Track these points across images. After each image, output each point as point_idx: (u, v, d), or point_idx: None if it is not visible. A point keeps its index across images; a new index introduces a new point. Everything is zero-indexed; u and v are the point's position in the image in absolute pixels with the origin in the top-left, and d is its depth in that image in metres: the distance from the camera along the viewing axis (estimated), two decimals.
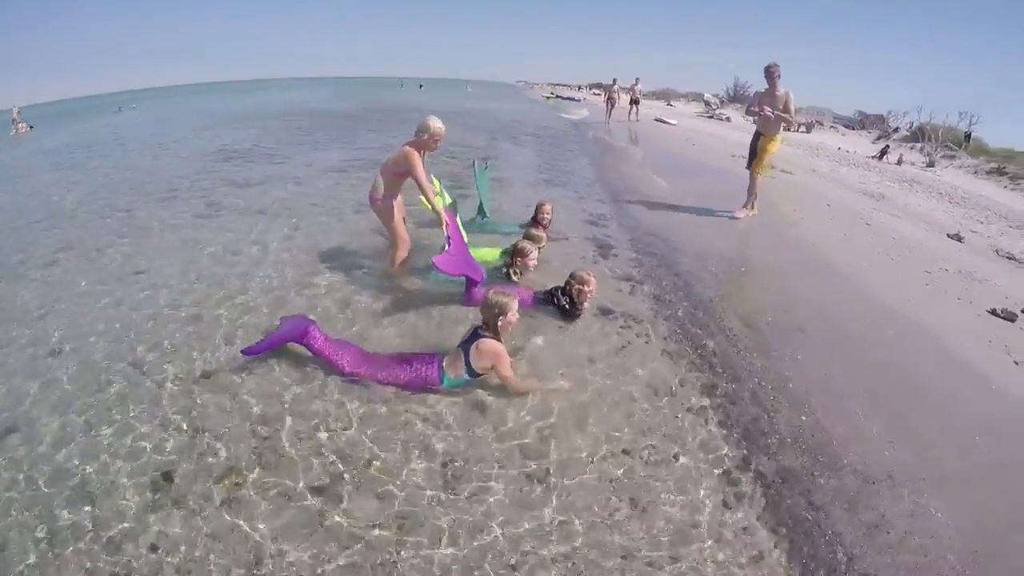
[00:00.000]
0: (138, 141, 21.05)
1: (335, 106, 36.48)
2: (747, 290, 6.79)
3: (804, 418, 4.43)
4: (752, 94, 10.11)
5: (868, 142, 26.69)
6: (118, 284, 6.72)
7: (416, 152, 6.21)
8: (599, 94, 53.04)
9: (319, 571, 3.11)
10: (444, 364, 4.57)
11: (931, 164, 20.21)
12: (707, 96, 45.58)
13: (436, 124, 6.24)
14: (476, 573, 3.11)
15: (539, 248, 6.80)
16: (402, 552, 3.22)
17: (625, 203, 10.87)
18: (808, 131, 29.94)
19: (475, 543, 3.29)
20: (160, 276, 6.88)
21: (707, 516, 3.51)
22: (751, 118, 10.23)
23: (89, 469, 3.78)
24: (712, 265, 7.63)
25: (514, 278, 6.41)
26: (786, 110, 9.39)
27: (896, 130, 30.45)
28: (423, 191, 6.27)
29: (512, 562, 3.18)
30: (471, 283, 5.98)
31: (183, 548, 3.23)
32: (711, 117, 34.85)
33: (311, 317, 5.22)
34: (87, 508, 3.48)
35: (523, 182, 12.30)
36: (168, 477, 3.71)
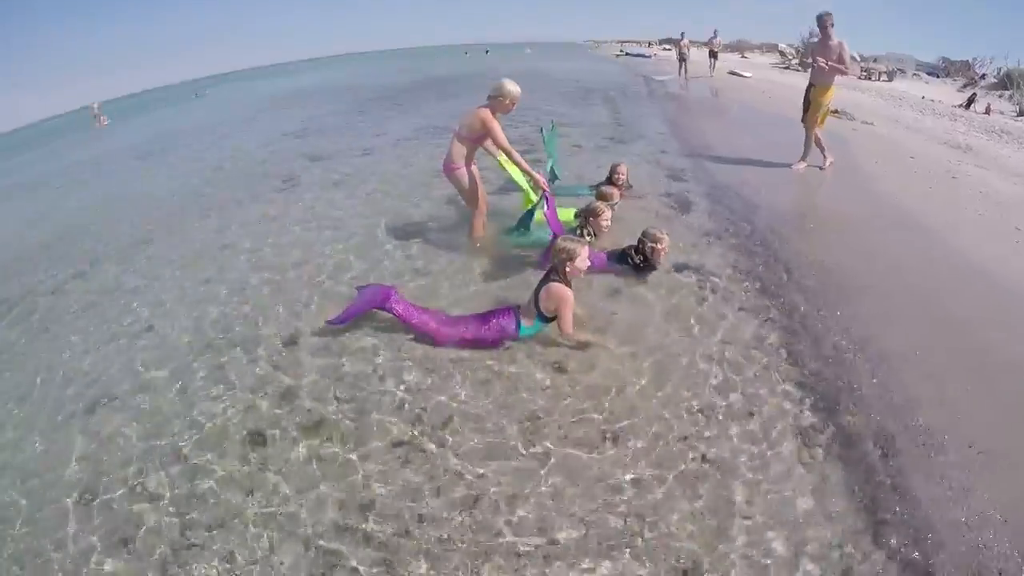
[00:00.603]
0: (216, 126, 22.08)
1: (402, 78, 36.78)
2: (826, 246, 6.51)
3: (881, 378, 4.27)
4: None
5: (954, 90, 25.10)
6: (209, 260, 7.26)
7: (490, 116, 6.17)
8: (669, 49, 51.34)
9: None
10: (520, 313, 4.77)
11: (1021, 113, 18.99)
12: (782, 46, 43.66)
13: (511, 86, 6.17)
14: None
15: (612, 207, 6.78)
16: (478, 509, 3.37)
17: (700, 159, 10.62)
18: (890, 79, 28.34)
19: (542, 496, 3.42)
20: (246, 250, 7.38)
21: (780, 471, 3.50)
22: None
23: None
24: (790, 219, 7.46)
25: (588, 239, 6.39)
26: (840, 60, 9.00)
27: (983, 77, 28.57)
28: (507, 153, 6.19)
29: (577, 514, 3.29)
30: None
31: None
32: (786, 67, 33.49)
33: (389, 284, 5.37)
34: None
35: (595, 144, 12.16)
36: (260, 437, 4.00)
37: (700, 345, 4.72)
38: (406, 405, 4.21)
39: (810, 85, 9.57)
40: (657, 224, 6.42)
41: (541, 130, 7.92)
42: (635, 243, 5.79)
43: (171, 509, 3.49)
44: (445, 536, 3.19)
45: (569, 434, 3.86)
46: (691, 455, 3.64)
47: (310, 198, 9.49)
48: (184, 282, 6.68)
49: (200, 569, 3.11)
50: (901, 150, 11.29)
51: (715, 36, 27.86)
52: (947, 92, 24.02)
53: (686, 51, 27.23)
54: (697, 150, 11.32)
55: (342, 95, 28.35)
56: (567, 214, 6.85)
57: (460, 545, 3.14)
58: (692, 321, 5.06)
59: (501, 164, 6.72)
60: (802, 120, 9.79)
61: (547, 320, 4.71)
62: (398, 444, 3.84)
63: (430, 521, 3.27)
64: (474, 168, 6.57)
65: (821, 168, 9.75)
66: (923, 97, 21.38)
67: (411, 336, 4.94)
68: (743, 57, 42.76)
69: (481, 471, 3.60)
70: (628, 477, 3.50)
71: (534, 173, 6.25)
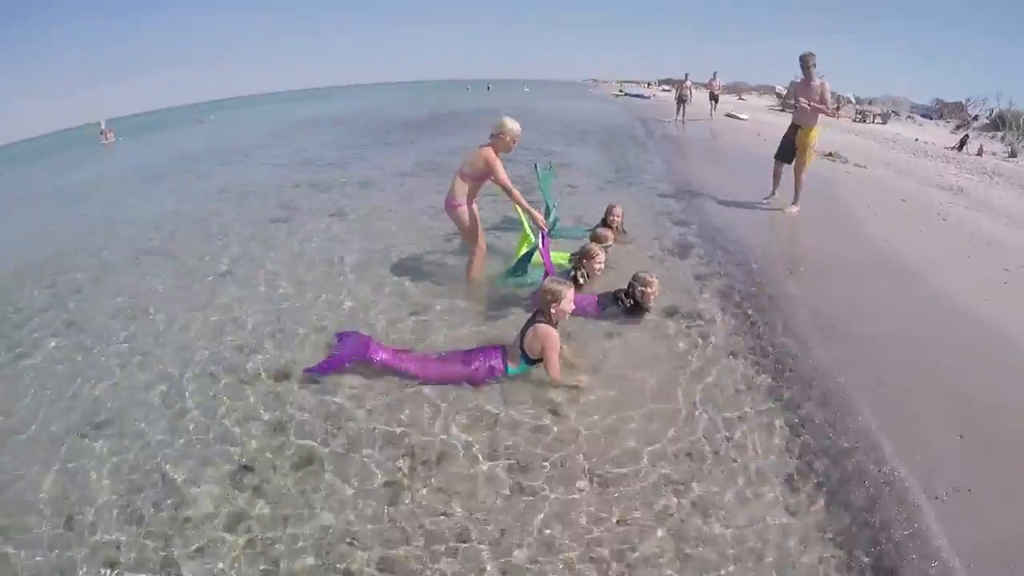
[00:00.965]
0: (217, 152, 22.34)
1: (403, 112, 37.27)
2: (816, 289, 6.55)
3: (872, 426, 4.24)
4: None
5: (947, 132, 25.38)
6: (201, 286, 7.35)
7: (493, 155, 6.21)
8: (668, 90, 51.67)
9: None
10: (507, 354, 4.79)
11: (1013, 154, 19.13)
12: (778, 88, 44.12)
13: (512, 124, 6.23)
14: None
15: (606, 249, 6.84)
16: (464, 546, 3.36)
17: (695, 201, 10.73)
18: (884, 122, 28.68)
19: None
20: (238, 279, 7.48)
21: (764, 517, 3.47)
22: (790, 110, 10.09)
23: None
24: (781, 262, 7.49)
25: (581, 282, 6.44)
26: (822, 100, 9.24)
27: (975, 118, 28.91)
28: (509, 192, 6.20)
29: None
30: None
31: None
32: (782, 110, 33.76)
33: (364, 333, 5.36)
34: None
35: (591, 185, 12.33)
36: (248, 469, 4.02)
37: (688, 388, 4.72)
38: (393, 442, 4.21)
39: (794, 127, 9.71)
40: (649, 268, 6.43)
41: (535, 166, 7.93)
42: (625, 287, 5.83)
43: (153, 532, 3.50)
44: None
45: (555, 475, 3.86)
46: (676, 499, 3.62)
47: (308, 229, 9.57)
48: (176, 309, 6.68)
49: None
50: (893, 193, 11.41)
51: (714, 78, 27.60)
52: (940, 134, 24.36)
53: (687, 93, 26.58)
54: (691, 192, 11.43)
55: (343, 127, 28.61)
56: (561, 256, 6.91)
57: None
58: (681, 364, 5.06)
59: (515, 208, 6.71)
60: (775, 156, 10.06)
61: (532, 362, 4.73)
62: (387, 483, 3.84)
63: (415, 560, 3.25)
64: (475, 207, 6.61)
65: (783, 210, 9.78)
66: (916, 139, 21.63)
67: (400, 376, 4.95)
68: (740, 99, 43.34)
69: (466, 511, 3.60)
70: (614, 519, 3.49)
71: (534, 212, 6.31)
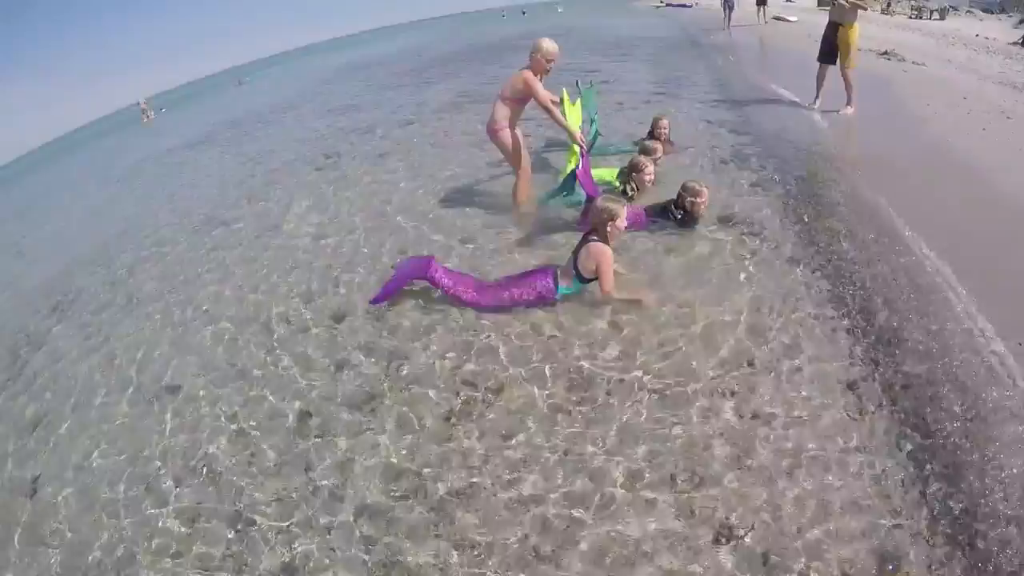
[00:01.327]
0: (256, 113, 22.37)
1: (441, 47, 36.37)
2: (875, 190, 6.23)
3: (935, 328, 4.02)
4: None
5: (1010, 26, 23.82)
6: (256, 240, 7.57)
7: (533, 74, 6.10)
8: None
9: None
10: (559, 274, 4.73)
11: None
12: None
13: (548, 44, 6.07)
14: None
15: (655, 161, 6.66)
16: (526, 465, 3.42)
17: (746, 109, 10.27)
18: (942, 18, 26.80)
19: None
20: (292, 228, 7.66)
21: (827, 425, 3.38)
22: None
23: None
24: (838, 165, 7.16)
25: (631, 195, 6.30)
26: None
27: None
28: (549, 112, 6.07)
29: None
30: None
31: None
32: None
33: (427, 254, 5.34)
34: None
35: (637, 99, 11.83)
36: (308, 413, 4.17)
37: (746, 297, 4.59)
38: (454, 375, 4.27)
39: (833, 24, 9.25)
40: (700, 178, 6.19)
41: (577, 83, 7.66)
42: (675, 198, 5.66)
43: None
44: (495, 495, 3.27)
45: (614, 391, 3.86)
46: (738, 412, 3.55)
47: (352, 175, 9.62)
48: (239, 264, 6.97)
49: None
50: (954, 91, 10.66)
51: None
52: (1003, 29, 22.76)
53: None
54: (743, 101, 10.93)
55: (382, 69, 28.25)
56: (609, 173, 6.72)
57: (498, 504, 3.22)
58: (738, 274, 4.92)
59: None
60: (818, 59, 9.60)
61: (585, 281, 4.65)
62: (448, 415, 3.90)
63: (484, 488, 3.31)
64: (518, 131, 6.48)
65: (838, 112, 9.39)
66: (977, 35, 20.33)
67: (452, 304, 4.98)
68: (788, 1, 40.89)
69: (530, 431, 3.65)
70: (676, 431, 3.47)
71: (573, 130, 6.13)
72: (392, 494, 3.36)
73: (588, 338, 4.39)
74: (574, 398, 3.85)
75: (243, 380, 4.66)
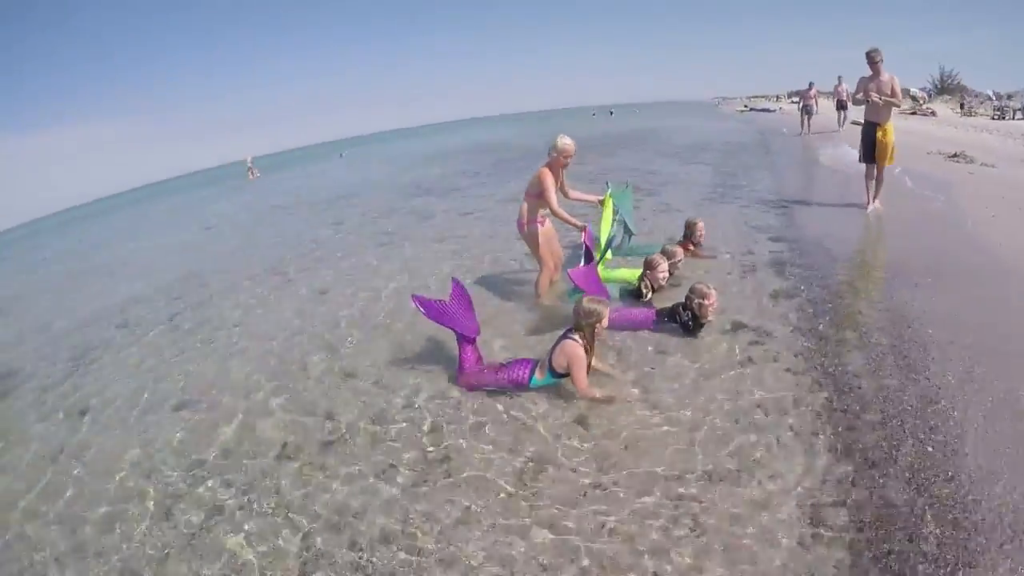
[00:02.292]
0: (347, 184, 24.72)
1: (520, 140, 37.62)
2: (911, 300, 5.89)
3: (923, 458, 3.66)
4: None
5: None
6: (303, 302, 8.32)
7: (548, 171, 6.28)
8: (796, 102, 49.10)
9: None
10: (537, 366, 4.79)
11: None
12: (913, 91, 40.13)
13: (562, 141, 6.31)
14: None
15: (676, 262, 6.65)
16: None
17: (796, 214, 10.09)
18: None
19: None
20: (336, 296, 8.31)
21: (777, 551, 3.10)
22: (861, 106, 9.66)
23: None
24: (873, 272, 6.97)
25: (645, 292, 6.26)
26: (893, 94, 8.97)
27: None
28: (553, 211, 6.32)
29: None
30: None
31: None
32: (913, 113, 30.85)
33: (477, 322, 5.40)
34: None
35: (687, 202, 11.86)
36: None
37: (729, 406, 4.41)
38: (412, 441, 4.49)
39: (872, 124, 9.31)
40: (727, 283, 6.35)
41: (607, 184, 7.75)
42: (683, 300, 5.58)
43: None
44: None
45: (557, 479, 3.83)
46: (681, 518, 3.39)
47: (403, 253, 10.36)
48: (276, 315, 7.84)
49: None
50: (1021, 194, 10.19)
51: (840, 83, 23.94)
52: None
53: (812, 103, 24.72)
54: (794, 205, 10.77)
55: (467, 157, 29.35)
56: (633, 274, 6.71)
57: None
58: (729, 382, 4.74)
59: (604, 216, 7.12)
60: (860, 160, 9.74)
61: (559, 376, 4.68)
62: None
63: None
64: (545, 228, 6.64)
65: (867, 209, 9.44)
66: None
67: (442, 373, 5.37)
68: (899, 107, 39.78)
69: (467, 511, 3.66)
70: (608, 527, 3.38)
71: (576, 223, 6.35)
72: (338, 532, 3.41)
73: (555, 430, 4.40)
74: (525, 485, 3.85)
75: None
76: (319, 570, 3.34)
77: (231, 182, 39.12)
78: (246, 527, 3.77)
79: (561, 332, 4.76)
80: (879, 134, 9.20)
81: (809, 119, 24.64)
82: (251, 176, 38.88)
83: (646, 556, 3.16)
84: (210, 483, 4.29)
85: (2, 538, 4.03)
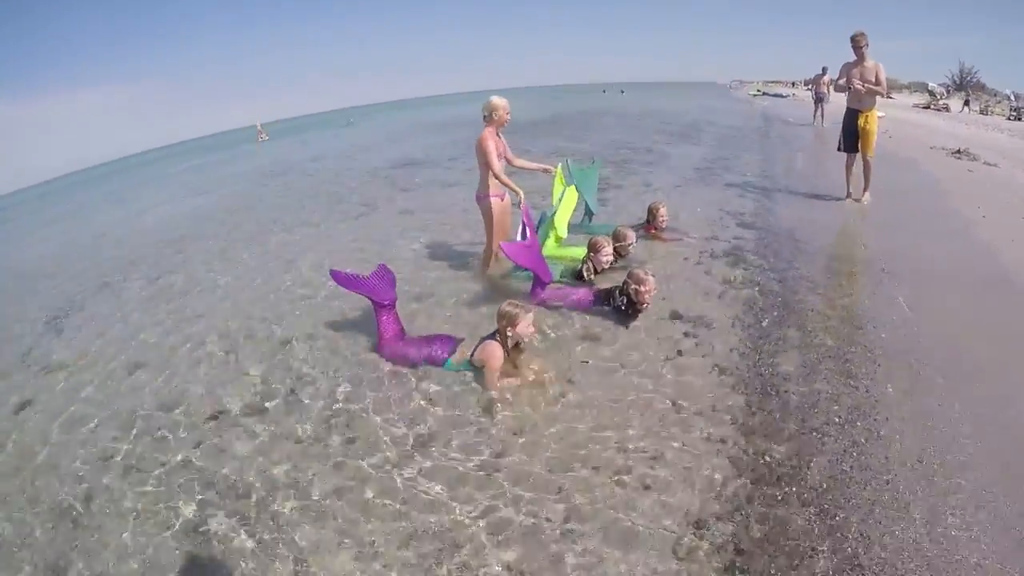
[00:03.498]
0: (338, 152, 24.46)
1: (526, 114, 36.93)
2: (871, 302, 5.47)
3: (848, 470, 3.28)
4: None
5: None
6: (270, 265, 8.24)
7: (487, 137, 5.91)
8: (809, 89, 47.43)
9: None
10: (456, 348, 4.63)
11: None
12: (932, 86, 38.81)
13: (494, 100, 5.97)
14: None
15: (626, 245, 6.29)
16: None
17: (776, 201, 9.58)
18: None
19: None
20: (297, 263, 8.10)
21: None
22: (845, 93, 9.01)
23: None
24: (840, 268, 6.46)
25: (586, 275, 5.91)
26: (877, 82, 8.39)
27: None
28: (493, 172, 5.94)
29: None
30: (537, 282, 5.62)
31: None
32: (927, 107, 29.84)
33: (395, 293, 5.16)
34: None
35: (668, 182, 11.37)
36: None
37: (641, 399, 4.08)
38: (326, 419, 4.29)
39: (852, 112, 8.79)
40: (683, 269, 6.19)
41: (566, 163, 7.35)
42: (620, 283, 5.19)
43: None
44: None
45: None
46: (549, 511, 3.14)
47: (371, 221, 10.21)
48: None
49: None
50: (1019, 195, 9.63)
51: (823, 74, 22.54)
52: None
53: (825, 91, 22.52)
54: (776, 192, 10.24)
55: (462, 129, 28.79)
56: (581, 251, 6.33)
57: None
58: (649, 374, 4.38)
59: (556, 180, 6.98)
60: (839, 149, 9.25)
61: (475, 368, 4.47)
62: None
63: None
64: (505, 200, 6.25)
65: (857, 200, 8.99)
66: None
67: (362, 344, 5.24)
68: (889, 97, 38.84)
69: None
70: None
71: (516, 188, 5.96)
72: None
73: (459, 416, 4.14)
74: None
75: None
76: (212, 518, 3.36)
77: (245, 146, 39.60)
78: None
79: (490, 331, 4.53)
80: (861, 121, 8.68)
81: (822, 108, 22.55)
82: (260, 139, 40.12)
83: (500, 547, 2.95)
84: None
85: None
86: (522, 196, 5.83)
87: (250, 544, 3.13)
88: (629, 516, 3.06)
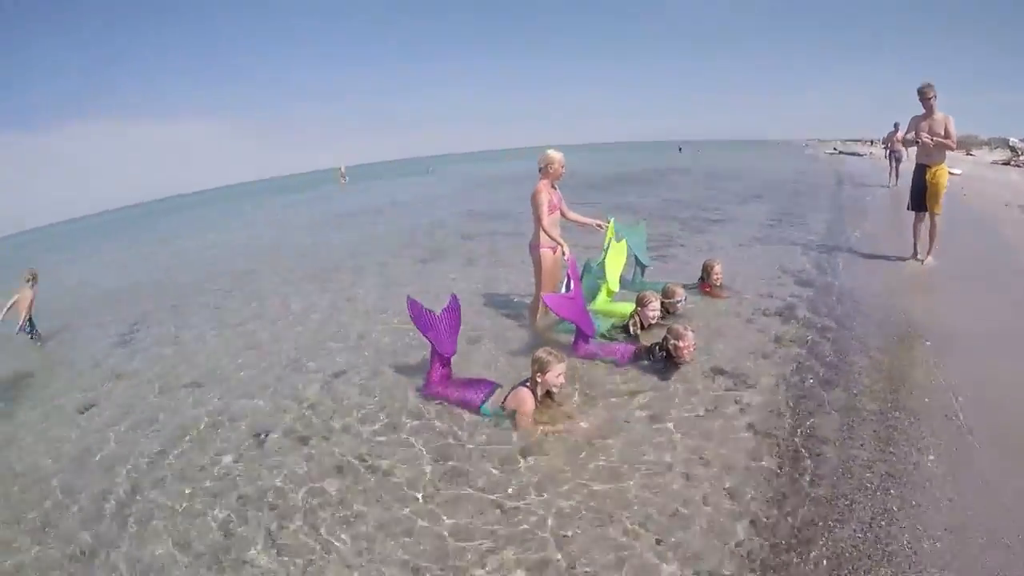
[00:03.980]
0: (423, 199, 25.67)
1: (593, 169, 37.19)
2: (923, 366, 5.24)
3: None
4: None
5: None
6: (332, 303, 9.03)
7: (541, 189, 6.11)
8: (885, 147, 45.41)
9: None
10: (493, 393, 4.77)
11: None
12: (1013, 141, 37.19)
13: (551, 152, 6.15)
14: None
15: (675, 302, 6.34)
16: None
17: (836, 260, 9.33)
18: None
19: None
20: (360, 303, 8.86)
21: None
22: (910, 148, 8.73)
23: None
24: (895, 332, 6.14)
25: (632, 330, 5.94)
26: (946, 135, 8.03)
27: None
28: (541, 224, 6.13)
29: None
30: (580, 334, 5.69)
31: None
32: (1007, 163, 28.34)
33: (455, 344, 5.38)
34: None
35: (730, 242, 11.36)
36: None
37: (669, 455, 4.08)
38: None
39: (922, 167, 8.48)
40: (734, 327, 6.21)
41: (610, 220, 7.38)
42: (660, 340, 5.24)
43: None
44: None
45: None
46: (551, 550, 3.21)
47: (434, 269, 10.73)
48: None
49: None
50: None
51: (896, 130, 20.14)
52: None
53: (900, 148, 19.87)
54: (840, 252, 9.94)
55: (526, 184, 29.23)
56: (628, 307, 6.38)
57: None
58: (682, 429, 4.38)
59: (608, 235, 7.08)
60: (908, 208, 8.96)
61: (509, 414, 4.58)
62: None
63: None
64: (556, 253, 6.34)
65: (921, 261, 8.58)
66: None
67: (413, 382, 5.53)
68: (969, 154, 37.05)
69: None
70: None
71: (561, 241, 6.15)
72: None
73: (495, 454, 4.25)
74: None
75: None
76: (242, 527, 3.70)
77: (325, 187, 43.43)
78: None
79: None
80: (928, 176, 8.39)
81: (898, 166, 21.28)
82: (342, 181, 42.72)
83: None
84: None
85: None
86: (567, 249, 5.97)
87: (275, 564, 3.35)
88: (641, 566, 3.08)
